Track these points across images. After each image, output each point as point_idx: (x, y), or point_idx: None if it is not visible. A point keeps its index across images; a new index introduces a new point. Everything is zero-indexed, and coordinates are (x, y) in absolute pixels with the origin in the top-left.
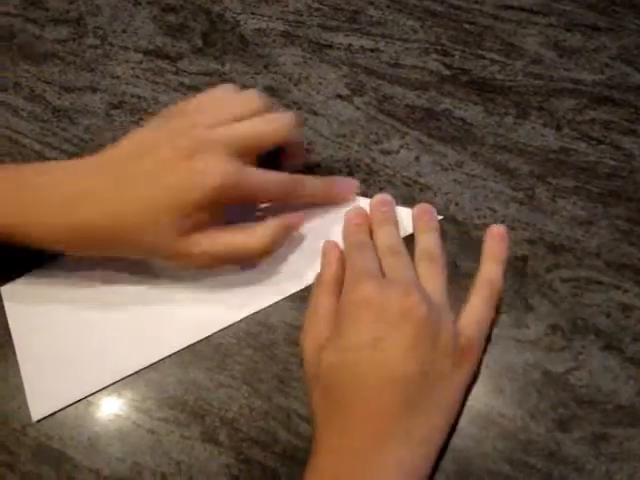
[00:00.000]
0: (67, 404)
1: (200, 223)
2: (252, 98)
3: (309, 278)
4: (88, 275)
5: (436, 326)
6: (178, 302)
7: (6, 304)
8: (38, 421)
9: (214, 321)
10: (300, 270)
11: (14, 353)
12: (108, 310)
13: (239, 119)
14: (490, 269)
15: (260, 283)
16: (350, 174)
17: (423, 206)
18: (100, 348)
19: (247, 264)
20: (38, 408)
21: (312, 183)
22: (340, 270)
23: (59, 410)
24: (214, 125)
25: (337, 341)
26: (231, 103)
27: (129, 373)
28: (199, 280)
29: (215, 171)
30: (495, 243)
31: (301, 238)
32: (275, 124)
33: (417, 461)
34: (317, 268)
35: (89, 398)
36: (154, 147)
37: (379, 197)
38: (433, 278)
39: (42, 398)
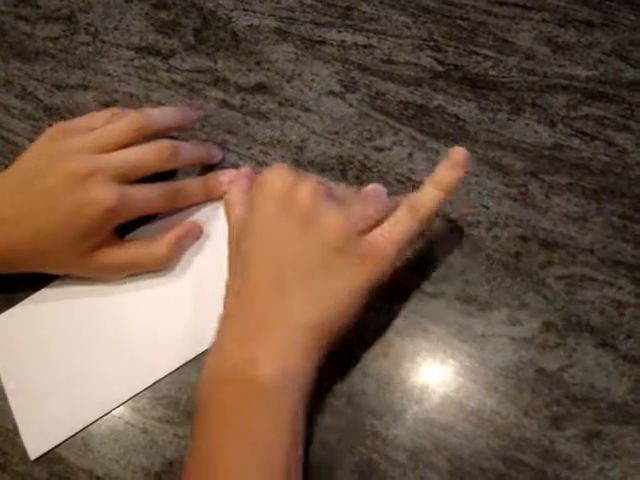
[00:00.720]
0: (64, 439)
1: (96, 243)
2: (132, 120)
3: None
4: (73, 305)
5: (322, 218)
6: (168, 324)
7: None
8: (36, 460)
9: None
10: None
11: None
12: (96, 338)
13: (119, 144)
14: (426, 192)
15: None
16: (343, 171)
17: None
18: (91, 378)
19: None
20: (35, 446)
21: (192, 185)
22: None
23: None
24: (96, 151)
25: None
26: (110, 129)
27: (124, 400)
28: (186, 302)
29: (100, 199)
30: (447, 171)
31: None
32: (152, 154)
33: (300, 344)
34: None
35: None
36: (42, 175)
37: (373, 185)
38: (360, 201)
39: (38, 436)
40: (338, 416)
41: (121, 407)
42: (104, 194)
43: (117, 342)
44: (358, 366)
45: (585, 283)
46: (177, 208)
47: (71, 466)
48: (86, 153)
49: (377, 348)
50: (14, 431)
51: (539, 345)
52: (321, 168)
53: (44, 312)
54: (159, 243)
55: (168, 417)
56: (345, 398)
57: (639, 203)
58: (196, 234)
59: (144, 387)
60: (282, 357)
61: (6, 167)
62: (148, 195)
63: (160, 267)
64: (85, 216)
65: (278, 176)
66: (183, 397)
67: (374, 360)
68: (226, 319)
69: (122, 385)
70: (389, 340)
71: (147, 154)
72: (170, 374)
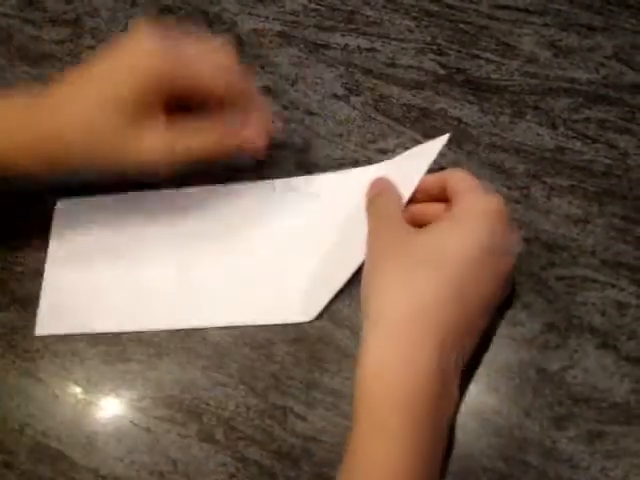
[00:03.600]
0: (72, 332)
1: (145, 115)
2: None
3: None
4: (146, 216)
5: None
6: (224, 282)
7: (55, 219)
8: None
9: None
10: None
11: (18, 352)
12: (149, 259)
13: None
14: None
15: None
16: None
17: None
18: (127, 294)
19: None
20: (44, 325)
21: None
22: None
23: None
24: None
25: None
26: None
27: (141, 328)
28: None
29: (149, 49)
30: None
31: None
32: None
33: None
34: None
35: (87, 397)
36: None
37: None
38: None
39: (51, 317)
40: (344, 417)
41: (125, 406)
42: (153, 46)
43: (166, 275)
44: None
45: (587, 284)
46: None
47: (75, 465)
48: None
49: None
50: (20, 430)
51: (541, 346)
52: (325, 171)
53: (115, 212)
54: (211, 128)
55: (171, 417)
56: (349, 398)
57: None
58: (255, 146)
59: (167, 327)
60: None
61: None
62: (205, 67)
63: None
64: (133, 68)
65: (494, 202)
66: (187, 397)
67: None
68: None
69: (150, 314)
70: None
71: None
72: (173, 374)
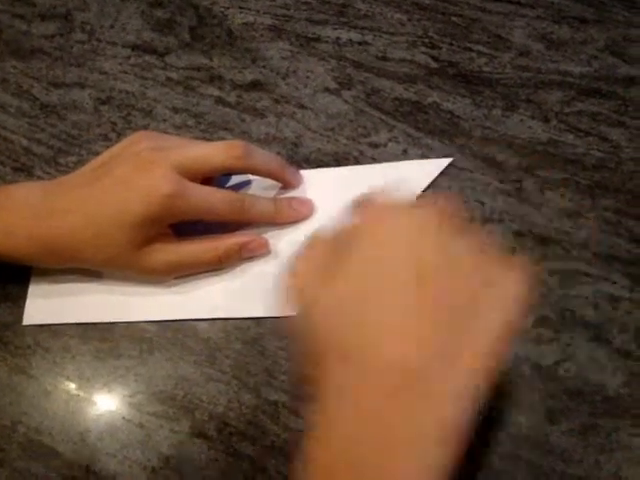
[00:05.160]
0: (60, 322)
1: (151, 236)
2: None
3: None
4: None
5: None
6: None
7: None
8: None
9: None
10: None
11: (9, 348)
12: None
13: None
14: None
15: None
16: (338, 167)
17: None
18: (116, 284)
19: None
20: (31, 314)
21: (261, 202)
22: None
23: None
24: (162, 149)
25: None
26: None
27: (130, 319)
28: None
29: (159, 186)
30: None
31: None
32: (221, 150)
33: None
34: None
35: (79, 393)
36: (110, 168)
37: None
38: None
39: (39, 307)
40: None
41: (117, 402)
42: (162, 180)
43: None
44: None
45: (579, 278)
46: (239, 222)
47: (68, 461)
48: (151, 150)
49: None
50: (12, 427)
51: (534, 340)
52: (316, 164)
53: None
54: (218, 244)
55: (164, 412)
56: None
57: (633, 198)
58: (261, 249)
59: (150, 318)
60: None
61: (2, 165)
62: (210, 195)
63: (211, 269)
64: (142, 202)
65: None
66: (179, 393)
67: None
68: None
69: (152, 305)
70: None
71: (216, 149)
72: (166, 370)
